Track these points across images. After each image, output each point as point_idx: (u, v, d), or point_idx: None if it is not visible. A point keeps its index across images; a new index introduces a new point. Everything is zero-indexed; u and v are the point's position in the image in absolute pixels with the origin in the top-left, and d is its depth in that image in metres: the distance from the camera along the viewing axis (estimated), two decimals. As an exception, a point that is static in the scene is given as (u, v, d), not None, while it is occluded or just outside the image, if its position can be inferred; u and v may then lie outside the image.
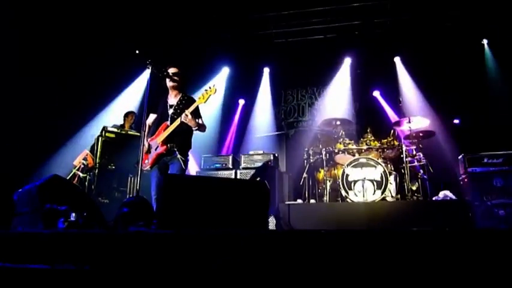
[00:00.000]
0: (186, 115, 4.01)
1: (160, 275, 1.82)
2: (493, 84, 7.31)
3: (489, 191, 5.04)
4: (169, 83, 4.40)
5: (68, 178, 5.98)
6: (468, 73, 7.34)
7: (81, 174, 6.09)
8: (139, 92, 7.78)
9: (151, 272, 1.80)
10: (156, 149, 4.21)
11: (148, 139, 4.32)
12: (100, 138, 6.23)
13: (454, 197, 5.52)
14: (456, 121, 7.46)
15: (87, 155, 6.27)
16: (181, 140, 4.24)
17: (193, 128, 4.24)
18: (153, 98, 4.08)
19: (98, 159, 6.09)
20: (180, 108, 4.26)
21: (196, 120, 4.20)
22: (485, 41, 7.55)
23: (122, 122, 6.91)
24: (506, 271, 1.55)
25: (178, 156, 4.14)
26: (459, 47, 7.41)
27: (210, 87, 4.10)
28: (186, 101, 4.31)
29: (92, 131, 6.91)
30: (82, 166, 6.13)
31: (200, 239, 1.96)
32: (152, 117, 4.49)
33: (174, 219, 2.51)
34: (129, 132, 6.52)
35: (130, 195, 5.86)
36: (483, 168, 5.19)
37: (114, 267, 1.82)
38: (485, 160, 5.22)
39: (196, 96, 4.25)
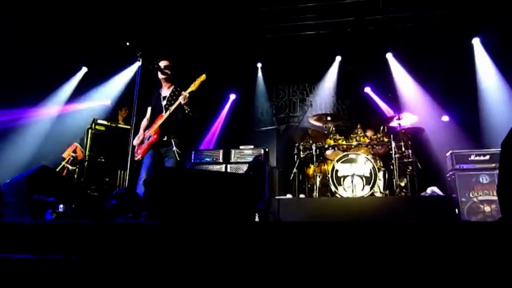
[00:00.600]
0: (185, 96, 4.11)
1: (148, 265, 1.83)
2: (483, 83, 7.41)
3: (476, 188, 5.12)
4: (161, 76, 4.47)
5: (57, 170, 5.95)
6: (458, 71, 7.41)
7: (70, 167, 6.06)
8: (129, 84, 7.74)
9: (139, 262, 1.81)
10: (148, 139, 4.27)
11: (146, 131, 4.39)
12: (90, 130, 6.19)
13: (441, 193, 5.60)
14: (445, 118, 7.54)
15: (76, 147, 6.24)
16: (178, 130, 4.32)
17: (187, 111, 4.23)
18: (143, 91, 4.06)
19: (87, 152, 6.06)
20: (174, 99, 4.32)
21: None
22: (475, 39, 7.61)
23: (113, 115, 6.89)
24: (488, 262, 1.59)
25: (175, 148, 4.17)
26: (450, 45, 7.47)
27: (200, 75, 4.23)
28: (179, 92, 4.34)
29: (80, 123, 6.85)
30: (71, 159, 6.10)
31: (187, 230, 1.97)
32: (149, 111, 4.58)
33: (162, 211, 2.51)
34: (119, 125, 6.49)
35: (121, 188, 5.85)
36: (470, 165, 5.27)
37: (101, 258, 1.83)
38: (472, 157, 5.30)
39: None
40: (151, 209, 2.51)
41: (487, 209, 4.93)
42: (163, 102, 4.38)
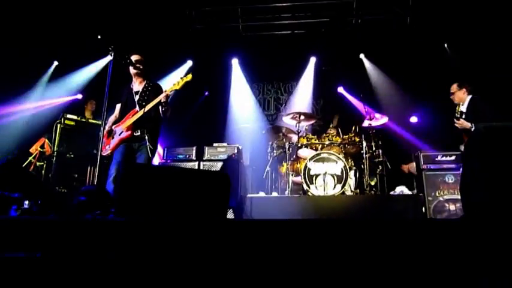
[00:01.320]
0: (167, 95, 4.07)
1: (115, 263, 1.80)
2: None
3: (442, 187, 5.30)
4: (132, 70, 4.35)
5: (23, 166, 5.76)
6: (428, 73, 7.63)
7: (37, 162, 5.88)
8: (99, 78, 7.60)
9: (106, 259, 1.78)
10: (120, 134, 4.18)
11: (114, 126, 4.30)
12: (59, 125, 6.01)
13: (409, 192, 5.77)
14: (414, 119, 7.77)
15: (44, 142, 6.06)
16: (151, 127, 4.25)
17: (163, 108, 4.18)
18: (115, 86, 3.98)
19: (55, 147, 5.88)
20: (147, 94, 4.24)
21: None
22: (445, 44, 7.87)
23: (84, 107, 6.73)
24: (456, 257, 1.65)
25: (148, 144, 4.10)
26: (421, 48, 7.69)
27: (185, 75, 4.15)
28: (152, 87, 4.30)
29: (48, 117, 6.68)
30: (38, 154, 5.92)
31: (157, 227, 1.95)
32: (118, 108, 4.50)
33: (132, 207, 2.48)
34: (89, 120, 6.33)
35: (90, 184, 5.72)
36: (437, 165, 5.45)
37: (66, 255, 1.79)
38: (439, 158, 5.48)
39: (171, 82, 4.23)
40: (121, 206, 2.47)
41: (452, 207, 5.10)
42: (136, 97, 4.28)
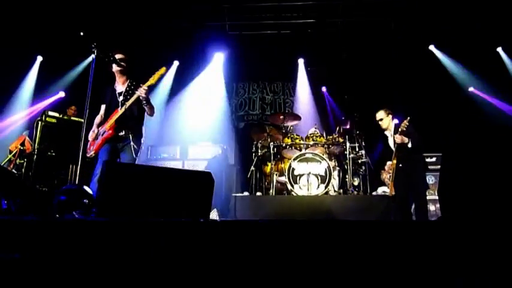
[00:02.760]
0: (144, 89, 3.99)
1: (96, 264, 1.79)
2: (436, 87, 7.81)
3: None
4: (116, 69, 4.29)
5: (2, 164, 5.65)
6: (410, 75, 7.76)
7: (17, 160, 5.76)
8: (83, 76, 7.50)
9: (86, 260, 1.76)
10: (103, 134, 4.12)
11: (100, 127, 4.25)
12: (40, 122, 5.90)
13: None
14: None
15: (24, 139, 5.95)
16: (134, 126, 4.21)
17: (144, 104, 4.16)
18: (98, 84, 3.92)
19: (36, 145, 5.78)
20: (130, 94, 4.17)
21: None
22: (431, 46, 8.01)
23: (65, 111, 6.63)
24: (433, 257, 1.68)
25: (132, 143, 4.07)
26: (404, 49, 7.81)
27: (159, 69, 4.11)
28: (135, 86, 4.21)
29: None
30: (19, 151, 5.81)
31: (139, 228, 1.94)
32: (102, 108, 4.40)
33: (113, 207, 2.46)
34: (72, 118, 6.24)
35: (71, 183, 5.64)
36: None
37: (46, 256, 1.76)
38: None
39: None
40: (102, 206, 2.45)
41: (432, 208, 5.21)
42: (120, 98, 4.20)
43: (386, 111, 5.10)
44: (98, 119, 4.37)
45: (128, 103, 4.06)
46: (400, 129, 4.68)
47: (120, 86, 4.33)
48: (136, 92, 4.02)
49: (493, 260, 1.59)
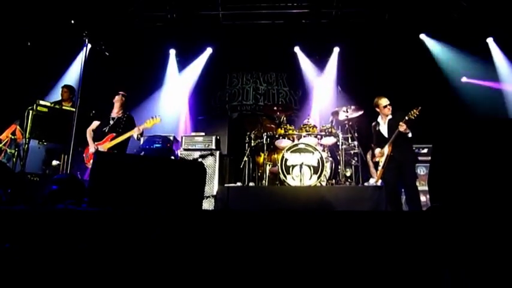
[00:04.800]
0: (140, 131, 5.18)
1: (88, 254, 1.79)
2: (429, 78, 7.84)
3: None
4: (116, 99, 5.34)
5: (-7, 153, 5.59)
6: (404, 66, 7.77)
7: (8, 150, 5.71)
8: (77, 65, 7.42)
9: (78, 250, 1.76)
10: None
11: (95, 143, 5.18)
12: (31, 111, 5.81)
13: (383, 184, 5.89)
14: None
15: (15, 129, 5.88)
16: (121, 150, 5.17)
17: (138, 138, 5.37)
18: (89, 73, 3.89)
19: (27, 134, 5.70)
20: (121, 125, 5.21)
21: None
22: (423, 35, 8.01)
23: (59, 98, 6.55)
24: (422, 246, 1.71)
25: None
26: (397, 41, 7.81)
27: (156, 117, 5.24)
28: (127, 119, 5.31)
29: (20, 102, 6.47)
30: (9, 140, 5.74)
31: (131, 217, 1.94)
32: (95, 124, 5.35)
33: (105, 197, 2.45)
34: (63, 107, 6.16)
35: (63, 173, 5.60)
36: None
37: (36, 245, 1.76)
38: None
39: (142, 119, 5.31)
40: (94, 196, 2.44)
41: (423, 198, 5.26)
42: (111, 122, 5.24)
43: (389, 102, 5.17)
44: (89, 131, 5.31)
45: (125, 136, 5.10)
46: (408, 118, 4.70)
47: (115, 114, 5.32)
48: (133, 130, 5.09)
49: (482, 250, 1.62)
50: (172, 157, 6.26)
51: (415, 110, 4.67)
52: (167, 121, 8.26)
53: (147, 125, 5.14)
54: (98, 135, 5.27)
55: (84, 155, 5.26)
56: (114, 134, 5.13)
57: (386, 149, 4.90)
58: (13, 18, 6.79)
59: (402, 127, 4.72)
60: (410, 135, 4.74)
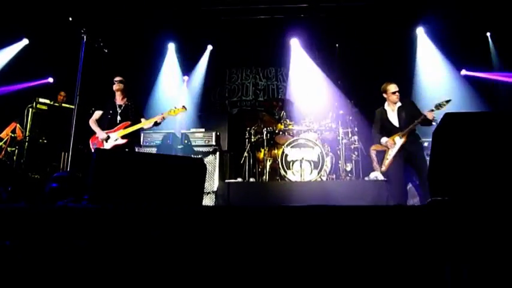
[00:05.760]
0: (163, 117, 4.99)
1: (88, 251, 1.79)
2: (426, 73, 7.82)
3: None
4: (116, 88, 5.10)
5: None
6: (403, 61, 7.75)
7: (8, 148, 5.71)
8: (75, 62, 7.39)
9: (77, 248, 1.76)
10: (115, 140, 4.85)
11: (105, 131, 4.93)
12: (31, 109, 5.83)
13: (383, 178, 5.89)
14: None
15: (15, 127, 5.88)
16: (134, 138, 5.17)
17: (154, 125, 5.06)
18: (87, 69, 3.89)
19: (27, 132, 5.72)
20: (131, 112, 5.06)
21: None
22: (420, 29, 7.99)
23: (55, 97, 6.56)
24: (423, 241, 1.70)
25: None
26: (395, 35, 7.78)
27: (182, 106, 5.15)
28: (132, 103, 5.14)
29: (19, 100, 6.47)
30: (10, 139, 5.75)
31: (131, 215, 1.94)
32: (98, 113, 5.13)
33: (105, 195, 2.45)
34: (62, 105, 6.17)
35: (63, 170, 5.61)
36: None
37: (36, 243, 1.76)
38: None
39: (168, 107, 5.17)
40: (94, 193, 2.44)
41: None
42: (119, 111, 5.04)
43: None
44: (92, 121, 5.04)
45: (146, 123, 4.99)
46: (436, 107, 4.52)
47: (120, 101, 5.13)
48: (157, 117, 4.98)
49: (483, 245, 1.61)
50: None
51: (444, 102, 4.52)
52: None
53: (172, 113, 5.06)
54: (106, 124, 5.02)
55: (91, 145, 4.96)
56: (130, 122, 4.98)
57: (400, 139, 4.67)
58: (11, 15, 6.76)
59: (431, 114, 4.50)
60: (434, 123, 4.52)
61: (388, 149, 4.78)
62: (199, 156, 6.05)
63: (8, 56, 7.38)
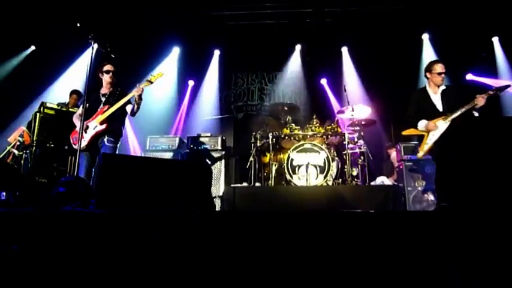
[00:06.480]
0: (140, 88, 4.36)
1: (95, 256, 1.79)
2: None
3: (421, 178, 5.40)
4: (105, 79, 4.70)
5: (1, 156, 5.64)
6: (408, 65, 7.73)
7: (16, 152, 5.76)
8: (84, 68, 7.48)
9: (84, 252, 1.77)
10: (94, 128, 4.40)
11: (85, 122, 4.43)
12: (38, 114, 5.88)
13: (389, 183, 5.86)
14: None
15: (23, 131, 5.93)
16: (117, 124, 4.57)
17: (136, 103, 4.45)
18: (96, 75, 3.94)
19: (35, 137, 5.76)
20: (114, 97, 4.56)
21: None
22: (425, 36, 7.96)
23: (67, 101, 6.62)
24: (430, 247, 1.69)
25: (106, 138, 4.41)
26: (401, 40, 7.77)
27: (157, 73, 4.61)
28: (120, 92, 4.64)
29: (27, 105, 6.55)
30: (17, 143, 5.80)
31: (138, 219, 1.95)
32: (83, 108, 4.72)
33: (113, 199, 2.46)
34: (70, 110, 6.21)
35: (70, 175, 5.64)
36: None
37: (44, 247, 1.77)
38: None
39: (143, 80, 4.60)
40: (101, 197, 2.45)
41: (431, 197, 5.21)
42: (102, 98, 4.62)
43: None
44: (77, 117, 4.62)
45: (122, 101, 4.40)
46: (492, 92, 4.17)
47: (105, 90, 4.72)
48: (133, 91, 4.36)
49: (491, 250, 1.60)
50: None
51: (504, 86, 4.23)
52: (169, 121, 8.34)
53: (149, 83, 4.49)
54: (89, 116, 4.53)
55: (71, 139, 4.58)
56: (107, 106, 4.48)
57: (445, 123, 4.21)
58: (19, 21, 6.84)
59: (482, 101, 4.10)
60: (477, 114, 4.19)
61: (428, 133, 4.32)
62: (206, 160, 6.07)
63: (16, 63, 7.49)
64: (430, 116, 4.36)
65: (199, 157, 6.20)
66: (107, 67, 4.69)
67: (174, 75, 8.75)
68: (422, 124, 4.38)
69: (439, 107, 4.40)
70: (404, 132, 4.61)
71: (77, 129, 4.41)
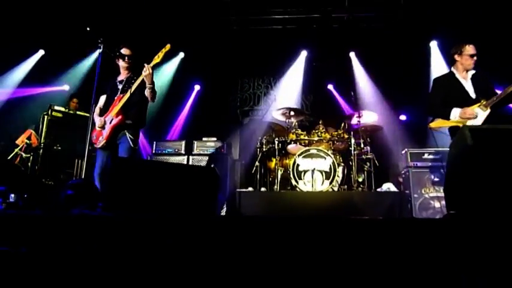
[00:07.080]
0: (148, 67, 3.95)
1: (102, 259, 1.80)
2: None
3: (427, 184, 5.36)
4: (122, 64, 4.33)
5: (9, 158, 5.69)
6: (416, 71, 7.71)
7: (23, 154, 5.80)
8: (89, 71, 7.54)
9: (92, 255, 1.78)
10: (111, 122, 4.09)
11: (102, 117, 4.21)
12: (46, 117, 5.94)
13: (396, 189, 5.83)
14: (403, 117, 7.85)
15: (31, 134, 5.98)
16: (136, 113, 4.18)
17: (148, 87, 4.09)
18: (103, 79, 3.95)
19: (42, 139, 5.81)
20: (130, 84, 4.16)
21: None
22: (433, 43, 7.94)
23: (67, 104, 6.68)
24: (438, 255, 1.68)
25: (127, 134, 4.05)
26: (408, 46, 7.75)
27: (164, 48, 4.18)
28: (137, 77, 4.18)
29: (35, 108, 6.59)
30: (25, 146, 5.85)
31: (145, 223, 1.95)
32: (103, 98, 4.41)
33: (120, 202, 2.47)
34: (77, 113, 6.27)
35: (77, 178, 5.67)
36: (423, 162, 5.50)
37: (52, 250, 1.78)
38: (426, 156, 5.54)
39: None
40: (109, 201, 2.46)
41: (437, 205, 5.17)
42: (119, 86, 4.26)
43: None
44: (97, 110, 4.34)
45: (133, 87, 4.03)
46: None
47: (122, 77, 4.37)
48: (142, 74, 3.97)
49: (500, 258, 1.59)
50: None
51: None
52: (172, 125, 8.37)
53: (157, 59, 4.10)
54: (107, 108, 4.27)
55: (92, 138, 4.17)
56: (122, 95, 4.13)
57: (483, 111, 3.73)
58: (28, 25, 6.92)
59: None
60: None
61: (463, 124, 3.72)
62: (211, 165, 6.08)
63: (26, 68, 7.56)
64: (461, 104, 3.85)
65: (206, 162, 6.21)
66: (123, 50, 4.33)
67: (180, 79, 8.77)
68: (456, 113, 3.82)
69: (472, 94, 3.91)
70: (433, 125, 4.02)
71: (97, 127, 4.17)
